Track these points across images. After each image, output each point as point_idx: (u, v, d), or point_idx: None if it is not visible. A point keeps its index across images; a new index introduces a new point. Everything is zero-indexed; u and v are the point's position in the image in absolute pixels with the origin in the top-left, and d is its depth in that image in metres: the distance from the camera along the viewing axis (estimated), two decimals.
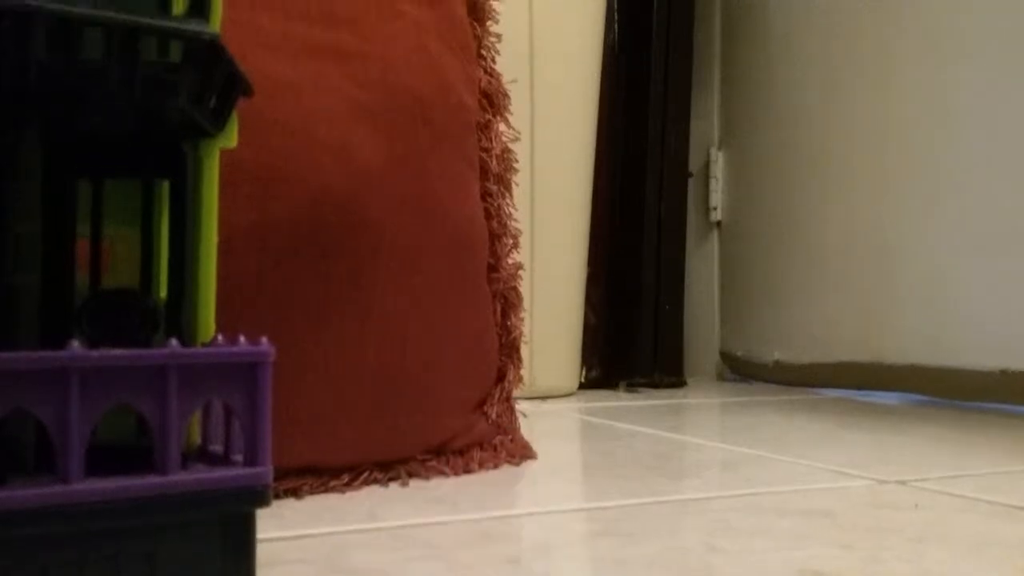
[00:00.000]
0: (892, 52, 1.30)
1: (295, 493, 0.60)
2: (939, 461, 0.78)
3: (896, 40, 1.30)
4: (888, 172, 1.31)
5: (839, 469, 0.73)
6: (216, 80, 0.37)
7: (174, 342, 0.33)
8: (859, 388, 1.35)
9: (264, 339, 0.35)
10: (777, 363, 1.49)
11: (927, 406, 1.21)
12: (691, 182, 1.59)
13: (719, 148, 1.62)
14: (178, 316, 0.37)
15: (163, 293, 0.39)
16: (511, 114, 0.79)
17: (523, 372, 0.80)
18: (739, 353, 1.58)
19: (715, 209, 1.62)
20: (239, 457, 0.35)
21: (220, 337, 0.37)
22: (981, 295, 1.18)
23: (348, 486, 0.62)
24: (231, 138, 0.39)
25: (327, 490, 0.61)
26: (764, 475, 0.71)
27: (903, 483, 0.67)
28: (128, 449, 0.35)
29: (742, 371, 1.57)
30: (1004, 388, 1.14)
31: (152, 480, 0.32)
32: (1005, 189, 1.15)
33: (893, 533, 0.53)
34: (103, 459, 0.33)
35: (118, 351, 0.32)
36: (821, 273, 1.42)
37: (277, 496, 0.59)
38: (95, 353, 0.32)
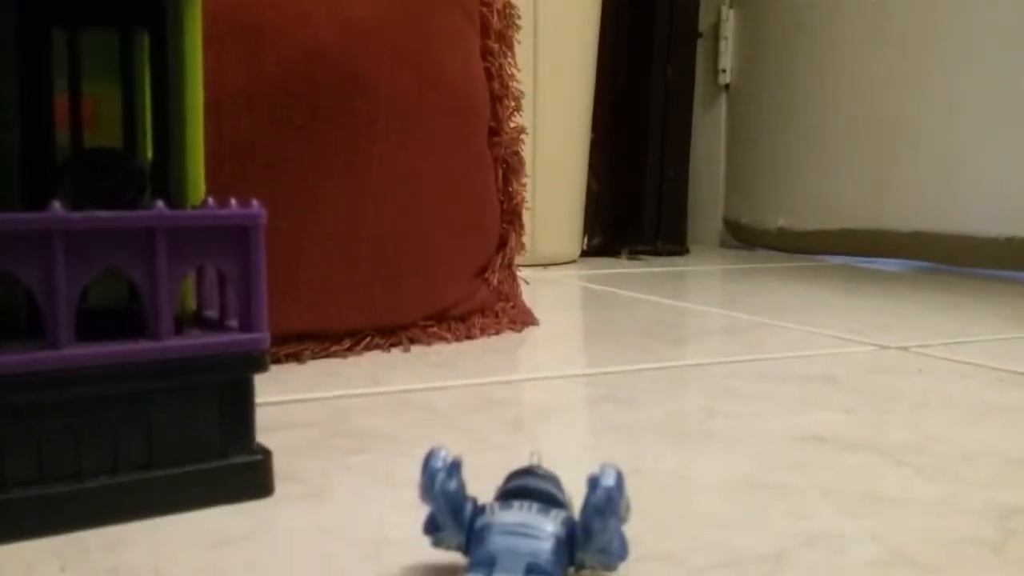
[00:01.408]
0: None
1: (297, 358, 0.60)
2: (942, 327, 0.77)
3: None
4: (901, 38, 1.25)
5: (841, 335, 0.73)
6: None
7: (161, 204, 0.31)
8: (863, 255, 1.34)
9: (255, 202, 0.33)
10: (781, 230, 1.47)
11: (931, 273, 1.21)
12: (700, 43, 1.54)
13: (730, 6, 1.56)
14: (165, 177, 0.36)
15: (150, 154, 0.37)
16: None
17: (525, 239, 0.78)
18: (743, 220, 1.56)
19: (724, 72, 1.57)
20: (235, 323, 0.34)
21: (210, 200, 0.36)
22: (988, 162, 1.15)
23: (350, 351, 0.62)
24: None
25: (329, 355, 0.61)
26: (766, 341, 0.70)
27: (905, 349, 0.67)
28: (122, 315, 0.34)
29: (745, 238, 1.56)
30: (1009, 255, 1.14)
31: (145, 346, 0.31)
32: (1016, 62, 1.11)
33: (895, 399, 0.53)
34: (96, 325, 0.32)
35: (103, 213, 0.31)
36: (829, 140, 1.38)
37: (279, 361, 0.59)
38: (79, 215, 0.30)
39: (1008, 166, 1.13)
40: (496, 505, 0.27)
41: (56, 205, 0.30)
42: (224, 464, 0.33)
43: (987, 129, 1.16)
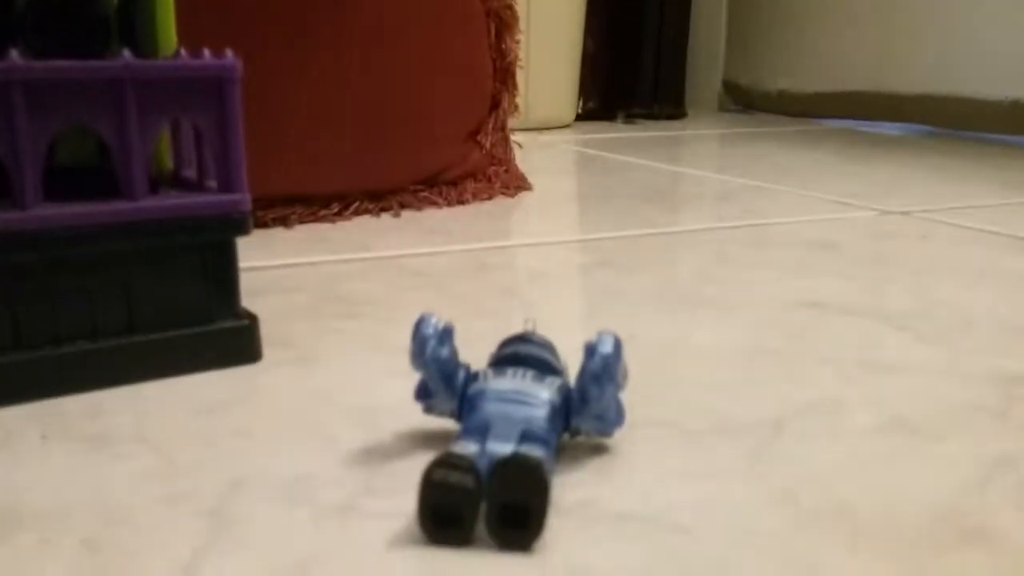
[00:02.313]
0: None
1: (284, 222, 0.58)
2: (943, 192, 0.76)
3: None
4: None
5: (842, 200, 0.71)
6: None
7: (127, 54, 0.29)
8: (865, 118, 1.31)
9: (229, 52, 0.31)
10: (781, 92, 1.43)
11: (932, 137, 1.18)
12: None
13: None
14: (132, 25, 0.33)
15: (115, 1, 0.35)
16: None
17: (518, 101, 0.76)
18: (743, 82, 1.52)
19: None
20: (213, 183, 0.32)
21: (183, 51, 0.33)
22: (992, 24, 1.11)
23: (338, 216, 0.60)
24: None
25: (317, 219, 0.60)
26: (764, 206, 0.69)
27: (907, 214, 0.66)
28: (95, 174, 0.32)
29: (745, 101, 1.52)
30: (1013, 119, 1.11)
31: (117, 206, 0.29)
32: None
33: (896, 264, 0.52)
34: (68, 184, 0.31)
35: (65, 62, 0.28)
36: (831, 0, 1.33)
37: (266, 225, 0.57)
38: (39, 64, 0.28)
39: (1013, 28, 1.09)
40: (490, 372, 0.26)
41: (14, 53, 0.27)
42: (209, 329, 0.32)
43: None
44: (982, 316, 0.42)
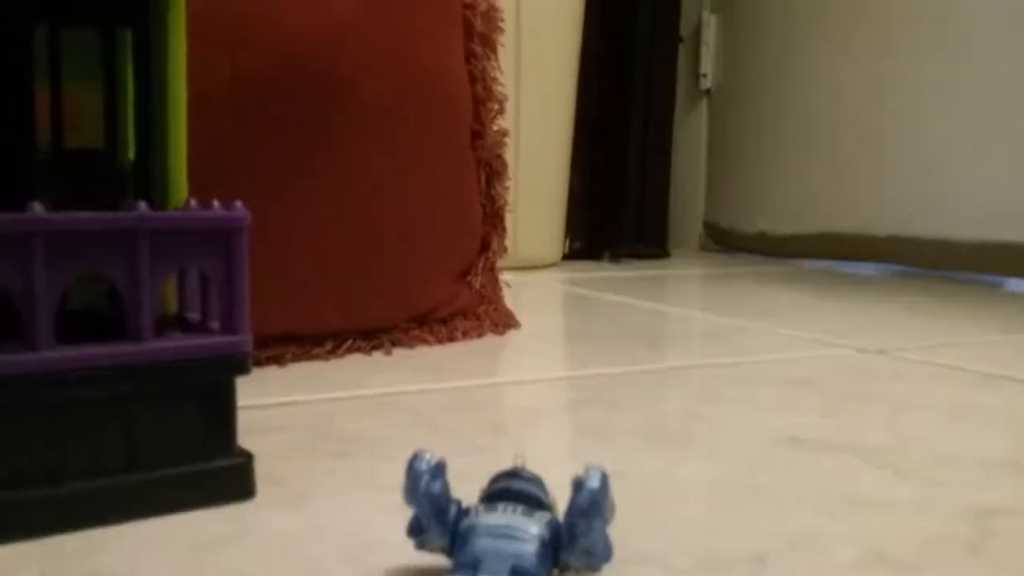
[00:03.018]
0: None
1: (278, 361, 0.59)
2: (920, 330, 0.78)
3: None
4: (879, 45, 1.27)
5: (820, 338, 0.73)
6: None
7: (143, 205, 0.31)
8: (841, 258, 1.35)
9: (239, 204, 0.33)
10: (761, 233, 1.48)
11: (909, 276, 1.22)
12: (681, 48, 1.54)
13: (711, 12, 1.57)
14: (147, 178, 0.35)
15: (132, 154, 0.37)
16: None
17: (507, 242, 0.79)
18: (723, 223, 1.57)
19: (705, 76, 1.58)
20: (217, 325, 0.34)
21: (193, 201, 0.36)
22: (963, 168, 1.17)
23: (331, 354, 0.62)
24: None
25: (310, 358, 0.61)
26: (745, 344, 0.71)
27: (883, 352, 0.68)
28: (102, 317, 0.34)
29: (725, 242, 1.57)
30: (984, 259, 1.15)
31: (125, 348, 0.31)
32: (994, 68, 1.12)
33: (873, 401, 0.53)
34: (76, 326, 0.32)
35: (83, 214, 0.30)
36: (807, 144, 1.40)
37: (260, 364, 0.59)
38: (59, 216, 0.30)
39: (982, 171, 1.15)
40: (481, 507, 0.27)
41: (36, 206, 0.29)
42: (206, 467, 0.33)
43: (961, 134, 1.17)
44: (956, 452, 0.43)
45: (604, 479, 0.27)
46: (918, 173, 1.22)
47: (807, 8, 1.39)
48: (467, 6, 0.71)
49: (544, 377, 0.60)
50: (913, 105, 1.23)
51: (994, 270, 1.14)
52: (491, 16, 0.74)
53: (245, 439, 0.37)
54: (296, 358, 0.60)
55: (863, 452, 0.43)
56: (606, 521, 0.27)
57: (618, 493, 0.31)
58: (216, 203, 0.33)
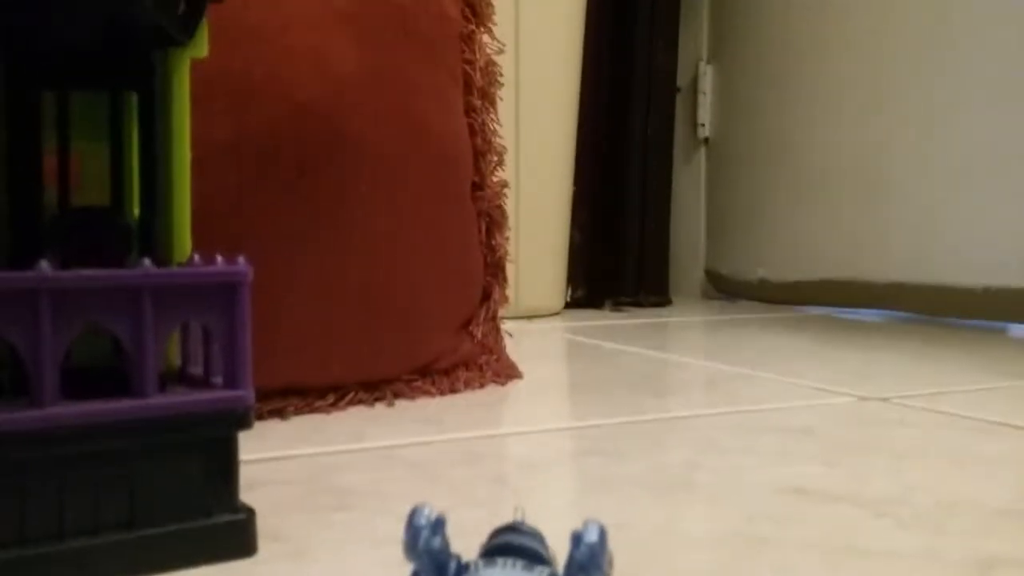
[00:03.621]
0: None
1: (280, 414, 0.60)
2: (921, 378, 0.78)
3: None
4: (878, 92, 1.28)
5: (822, 386, 0.73)
6: None
7: (148, 262, 0.32)
8: (843, 305, 1.36)
9: (241, 259, 0.33)
10: (762, 281, 1.49)
11: (910, 323, 1.22)
12: (679, 97, 1.56)
13: (708, 62, 1.59)
14: (152, 235, 0.36)
15: (137, 211, 0.38)
16: (495, 25, 0.77)
17: (509, 291, 0.79)
18: (724, 271, 1.58)
19: (703, 126, 1.60)
20: (219, 379, 0.34)
21: (197, 257, 0.36)
22: (964, 214, 1.17)
23: (333, 406, 0.62)
24: (202, 47, 0.37)
25: (312, 411, 0.61)
26: (748, 392, 0.71)
27: (885, 400, 0.68)
28: (105, 372, 0.34)
29: (727, 289, 1.57)
30: (986, 305, 1.15)
31: (129, 404, 0.31)
32: (992, 114, 1.14)
33: (876, 450, 0.53)
34: (79, 382, 0.32)
35: (90, 271, 0.31)
36: (807, 191, 1.41)
37: (262, 417, 0.59)
38: (66, 274, 0.31)
39: (982, 216, 1.15)
40: (480, 562, 0.27)
41: (44, 264, 0.30)
42: (207, 523, 0.33)
43: (961, 180, 1.18)
44: (960, 501, 0.43)
45: (602, 533, 0.27)
46: (918, 219, 1.23)
47: (803, 57, 1.41)
48: (467, 62, 0.73)
49: (546, 428, 0.60)
50: (912, 151, 1.24)
51: (996, 316, 1.14)
52: (490, 71, 0.75)
53: (246, 493, 0.38)
54: (298, 411, 0.60)
55: (866, 501, 0.43)
56: (605, 575, 0.27)
57: (620, 544, 0.31)
58: (219, 258, 0.34)
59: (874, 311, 1.31)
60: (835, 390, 0.72)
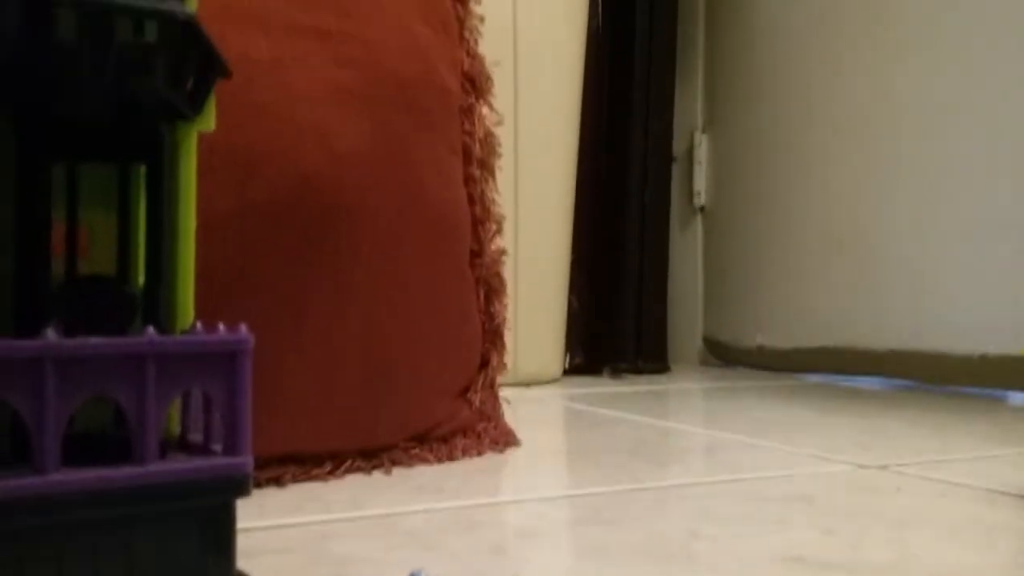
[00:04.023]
0: (880, 40, 1.30)
1: (277, 481, 0.59)
2: (920, 445, 0.78)
3: (884, 27, 1.29)
4: (872, 159, 1.31)
5: (821, 454, 0.73)
6: (192, 61, 0.36)
7: (151, 330, 0.32)
8: (841, 373, 1.36)
9: (243, 327, 0.34)
10: (760, 348, 1.49)
11: (908, 391, 1.22)
12: (675, 166, 1.59)
13: (703, 132, 1.62)
14: (156, 303, 0.36)
15: (141, 280, 0.38)
16: (494, 97, 0.79)
17: (507, 358, 0.79)
18: (722, 338, 1.58)
19: (699, 194, 1.62)
20: (219, 447, 0.34)
21: (199, 325, 0.37)
22: (961, 281, 1.18)
23: (331, 474, 0.62)
24: (209, 121, 0.38)
25: (310, 478, 0.61)
26: (746, 460, 0.71)
27: (884, 468, 0.68)
28: (105, 439, 0.34)
29: (725, 356, 1.57)
30: (984, 372, 1.15)
31: (130, 471, 0.31)
32: (987, 179, 1.16)
33: (874, 518, 0.53)
34: (80, 449, 0.33)
35: (95, 339, 0.31)
36: (804, 259, 1.42)
37: (259, 485, 0.59)
38: (71, 342, 0.31)
39: (979, 283, 1.16)
40: None
41: (50, 332, 0.30)
42: None
43: (955, 247, 1.19)
44: (958, 570, 0.43)
45: None
46: (916, 286, 1.24)
47: (798, 126, 1.43)
48: (466, 133, 0.75)
49: (544, 496, 0.59)
50: (908, 219, 1.26)
51: (993, 383, 1.15)
52: (489, 142, 0.77)
53: (243, 562, 0.37)
54: (296, 479, 0.60)
55: (864, 571, 0.43)
56: None
57: None
58: (221, 327, 0.34)
59: (872, 378, 1.31)
60: (834, 458, 0.72)
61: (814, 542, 0.48)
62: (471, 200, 0.75)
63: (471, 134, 0.75)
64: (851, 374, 1.34)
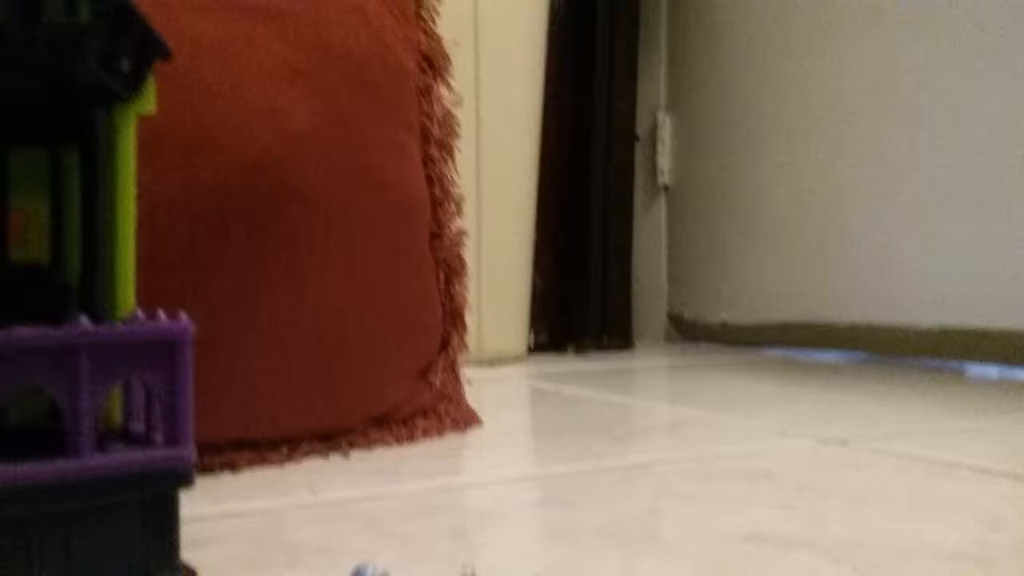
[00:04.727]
0: (840, 21, 1.30)
1: (232, 467, 0.58)
2: (880, 420, 0.79)
3: (844, 8, 1.30)
4: (834, 136, 1.31)
5: (782, 428, 0.74)
6: (127, 42, 0.35)
7: (85, 320, 0.31)
8: (803, 347, 1.37)
9: (184, 315, 0.33)
10: (724, 324, 1.50)
11: (870, 364, 1.23)
12: (638, 146, 1.59)
13: (666, 111, 1.62)
14: (92, 292, 0.35)
15: (78, 269, 0.37)
16: (453, 77, 0.77)
17: (471, 338, 0.79)
18: (686, 315, 1.59)
19: (662, 173, 1.62)
20: (160, 437, 0.33)
21: (140, 313, 0.36)
22: (921, 255, 1.20)
23: (287, 459, 0.61)
24: (148, 103, 0.37)
25: (265, 463, 0.60)
26: (708, 437, 0.71)
27: (844, 442, 0.68)
28: (43, 431, 0.33)
29: (689, 333, 1.58)
30: (943, 344, 1.17)
31: (65, 465, 0.30)
32: (947, 154, 1.17)
33: (834, 493, 0.53)
34: (15, 442, 0.31)
35: (25, 330, 0.30)
36: (767, 235, 1.43)
37: (213, 470, 0.58)
38: (1, 333, 0.30)
39: (937, 257, 1.17)
40: None
41: None
42: None
43: (917, 222, 1.20)
44: (918, 545, 0.43)
45: None
46: (876, 261, 1.25)
47: (760, 104, 1.43)
48: (425, 114, 0.73)
49: (504, 477, 0.59)
50: (869, 194, 1.26)
51: (955, 356, 1.16)
52: (447, 122, 0.75)
53: (194, 550, 0.37)
54: (250, 464, 0.59)
55: (824, 547, 0.43)
56: None
57: None
58: (161, 314, 0.33)
59: (834, 352, 1.32)
60: (795, 433, 0.72)
61: (775, 519, 0.48)
62: (430, 181, 0.74)
63: (429, 115, 0.74)
64: (813, 348, 1.35)
